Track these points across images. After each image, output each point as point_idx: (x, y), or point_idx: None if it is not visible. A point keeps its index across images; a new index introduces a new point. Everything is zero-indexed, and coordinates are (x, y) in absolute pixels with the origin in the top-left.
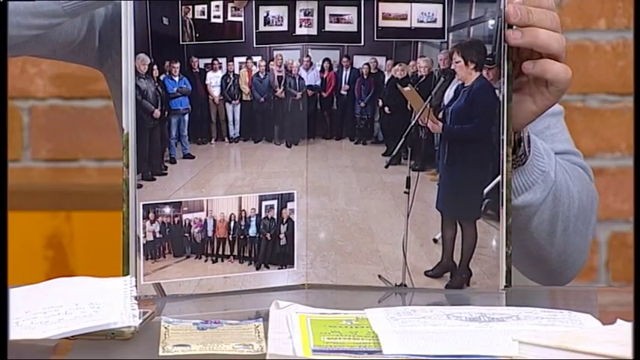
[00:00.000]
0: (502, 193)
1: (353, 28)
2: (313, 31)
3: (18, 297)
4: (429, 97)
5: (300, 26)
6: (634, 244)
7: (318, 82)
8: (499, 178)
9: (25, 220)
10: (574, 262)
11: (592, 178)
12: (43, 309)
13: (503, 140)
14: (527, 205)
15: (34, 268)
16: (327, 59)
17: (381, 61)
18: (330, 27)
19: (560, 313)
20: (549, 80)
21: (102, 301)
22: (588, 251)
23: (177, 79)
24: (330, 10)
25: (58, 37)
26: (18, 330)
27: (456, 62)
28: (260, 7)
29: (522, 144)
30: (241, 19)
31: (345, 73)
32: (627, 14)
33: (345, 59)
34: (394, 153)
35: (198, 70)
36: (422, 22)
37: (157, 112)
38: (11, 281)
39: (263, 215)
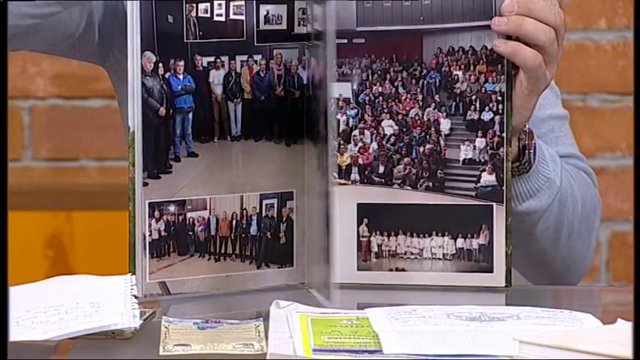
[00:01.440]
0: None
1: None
2: (310, 29)
3: (18, 295)
4: None
5: (299, 25)
6: (634, 244)
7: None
8: None
9: (25, 220)
10: (577, 268)
11: (595, 184)
12: (44, 308)
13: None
14: (532, 212)
15: (35, 267)
16: None
17: None
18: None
19: (560, 312)
20: (518, 64)
21: (102, 300)
22: (591, 257)
23: (181, 77)
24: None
25: (56, 30)
26: (18, 330)
27: None
28: (260, 6)
29: (526, 151)
30: (243, 17)
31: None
32: (627, 14)
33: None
34: None
35: (201, 68)
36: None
37: (163, 110)
38: (12, 281)
39: (264, 214)
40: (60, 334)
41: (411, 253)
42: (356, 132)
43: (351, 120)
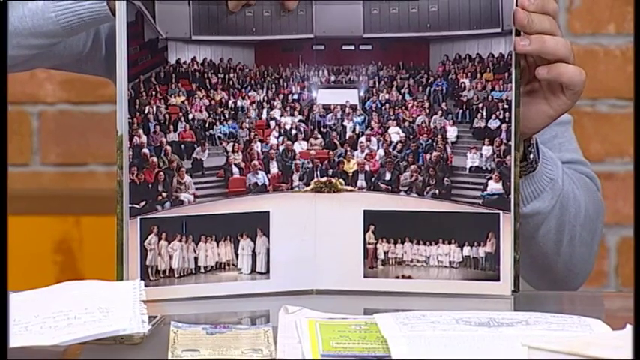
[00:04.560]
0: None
1: None
2: None
3: (27, 300)
4: None
5: None
6: (634, 246)
7: None
8: None
9: (34, 225)
10: (579, 272)
11: (599, 188)
12: (53, 313)
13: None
14: (536, 213)
15: (44, 272)
16: None
17: None
18: None
19: (569, 317)
20: (565, 84)
21: (111, 306)
22: (593, 261)
23: None
24: None
25: (63, 51)
26: (27, 335)
27: None
28: None
29: (532, 150)
30: None
31: None
32: None
33: None
34: None
35: None
36: None
37: None
38: (20, 285)
39: None
40: (69, 339)
41: (418, 261)
42: (363, 139)
43: (357, 127)
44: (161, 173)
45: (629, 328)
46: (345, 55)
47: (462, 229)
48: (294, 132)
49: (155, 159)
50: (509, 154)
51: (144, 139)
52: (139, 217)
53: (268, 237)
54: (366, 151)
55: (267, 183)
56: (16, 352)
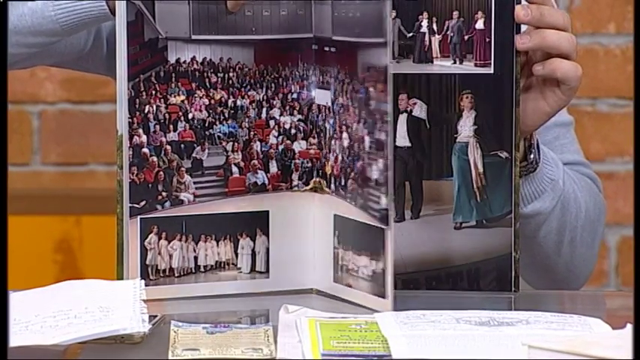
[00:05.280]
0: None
1: None
2: None
3: (27, 300)
4: None
5: None
6: (634, 246)
7: None
8: None
9: (34, 224)
10: (580, 273)
11: (601, 190)
12: (53, 313)
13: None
14: (537, 214)
15: (44, 272)
16: None
17: None
18: None
19: (570, 317)
20: (559, 79)
21: (111, 305)
22: (595, 263)
23: None
24: None
25: (64, 49)
26: (27, 334)
27: None
28: None
29: (533, 150)
30: None
31: None
32: None
33: None
34: None
35: None
36: None
37: None
38: (20, 285)
39: None
40: (69, 338)
41: (354, 271)
42: (333, 141)
43: (331, 129)
44: (161, 173)
45: (629, 328)
46: (325, 56)
47: (371, 243)
48: (293, 131)
49: (155, 158)
50: (390, 169)
51: (144, 138)
52: (139, 217)
53: (268, 236)
54: (335, 153)
55: (266, 182)
56: (16, 351)
